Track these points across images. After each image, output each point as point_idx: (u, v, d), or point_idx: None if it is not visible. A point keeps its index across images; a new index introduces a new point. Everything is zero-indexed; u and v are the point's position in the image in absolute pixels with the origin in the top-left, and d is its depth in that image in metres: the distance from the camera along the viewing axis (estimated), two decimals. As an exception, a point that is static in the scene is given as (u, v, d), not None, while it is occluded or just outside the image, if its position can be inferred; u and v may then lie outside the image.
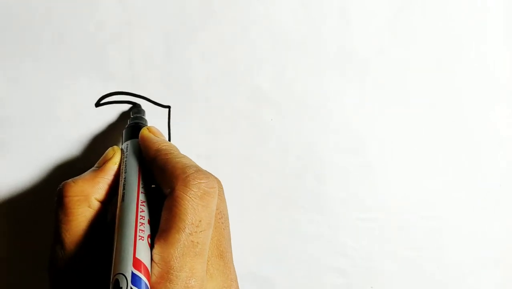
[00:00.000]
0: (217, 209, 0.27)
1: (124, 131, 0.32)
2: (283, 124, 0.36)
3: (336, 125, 0.36)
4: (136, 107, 0.34)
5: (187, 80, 0.35)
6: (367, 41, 0.36)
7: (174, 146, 0.30)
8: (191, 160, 0.28)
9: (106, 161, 0.29)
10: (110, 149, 0.30)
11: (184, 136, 0.35)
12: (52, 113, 0.34)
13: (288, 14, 0.35)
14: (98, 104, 0.34)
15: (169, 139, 0.35)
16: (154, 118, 0.35)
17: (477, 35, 0.36)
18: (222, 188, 0.30)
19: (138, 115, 0.33)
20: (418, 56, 0.36)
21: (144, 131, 0.30)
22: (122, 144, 0.32)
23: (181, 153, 0.29)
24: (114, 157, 0.30)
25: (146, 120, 0.33)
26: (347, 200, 0.36)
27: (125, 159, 0.29)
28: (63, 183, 0.28)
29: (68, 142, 0.34)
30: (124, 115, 0.35)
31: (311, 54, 0.36)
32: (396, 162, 0.36)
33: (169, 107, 0.35)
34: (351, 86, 0.36)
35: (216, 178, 0.28)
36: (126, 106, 0.35)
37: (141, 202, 0.27)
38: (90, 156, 0.34)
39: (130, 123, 0.32)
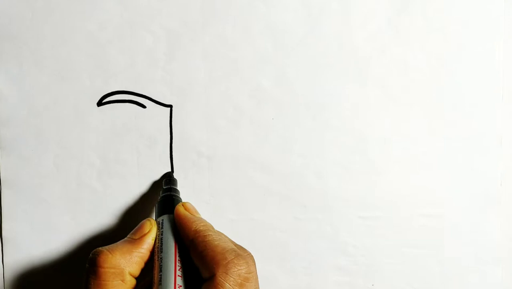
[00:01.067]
0: None
1: (158, 204, 0.32)
2: (284, 123, 0.36)
3: (338, 123, 0.36)
4: (168, 176, 0.34)
5: (188, 80, 0.35)
6: (368, 39, 0.36)
7: (210, 225, 0.30)
8: (229, 241, 0.29)
9: (143, 235, 0.29)
10: (146, 221, 0.30)
11: (186, 135, 0.35)
12: (55, 112, 0.34)
13: (290, 13, 0.35)
14: (100, 103, 0.35)
15: (171, 139, 0.35)
16: (156, 117, 0.35)
17: (478, 34, 0.36)
18: (255, 265, 0.30)
19: (171, 186, 0.33)
20: (419, 55, 0.36)
21: (180, 209, 0.31)
22: (155, 214, 0.32)
23: (217, 230, 0.30)
24: (152, 232, 0.30)
25: (178, 191, 0.33)
26: (348, 198, 0.37)
27: (161, 236, 0.29)
28: (98, 250, 0.28)
29: (71, 142, 0.34)
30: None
31: (312, 53, 0.36)
32: (397, 160, 0.37)
33: (171, 106, 0.35)
34: (353, 84, 0.36)
35: (252, 257, 0.29)
36: (128, 106, 0.35)
37: (178, 287, 0.27)
38: (93, 155, 0.35)
39: (164, 195, 0.32)
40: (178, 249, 0.29)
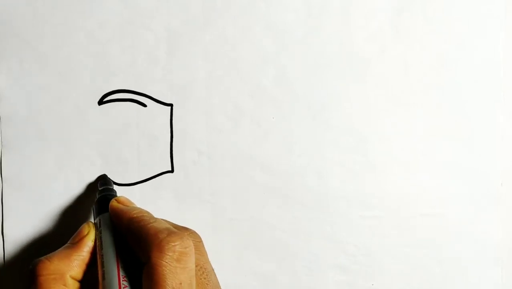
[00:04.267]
0: (197, 266, 0.28)
1: (93, 206, 0.32)
2: (284, 123, 0.36)
3: (338, 123, 0.36)
4: (103, 178, 0.34)
5: (189, 79, 0.35)
6: (368, 39, 0.36)
7: (146, 211, 0.30)
8: (164, 222, 0.29)
9: (81, 238, 0.29)
10: (85, 225, 0.30)
11: (186, 134, 0.35)
12: (56, 111, 0.34)
13: (290, 13, 0.36)
14: (101, 102, 0.35)
15: (172, 138, 0.35)
16: (156, 116, 0.35)
17: (478, 33, 0.37)
18: (200, 241, 0.30)
19: (106, 186, 0.33)
20: (419, 55, 0.36)
21: (113, 203, 0.31)
22: (94, 218, 0.32)
23: (155, 216, 0.30)
24: (90, 234, 0.30)
25: (115, 191, 0.33)
26: (348, 198, 0.37)
27: (99, 235, 0.30)
28: (36, 260, 0.28)
29: (72, 140, 0.34)
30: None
31: (313, 53, 0.36)
32: (398, 159, 0.37)
33: (171, 105, 0.35)
34: (353, 84, 0.36)
35: (191, 234, 0.29)
36: (129, 105, 0.35)
37: (123, 278, 0.27)
38: (94, 153, 0.35)
39: (99, 197, 0.32)
40: (117, 242, 0.29)
